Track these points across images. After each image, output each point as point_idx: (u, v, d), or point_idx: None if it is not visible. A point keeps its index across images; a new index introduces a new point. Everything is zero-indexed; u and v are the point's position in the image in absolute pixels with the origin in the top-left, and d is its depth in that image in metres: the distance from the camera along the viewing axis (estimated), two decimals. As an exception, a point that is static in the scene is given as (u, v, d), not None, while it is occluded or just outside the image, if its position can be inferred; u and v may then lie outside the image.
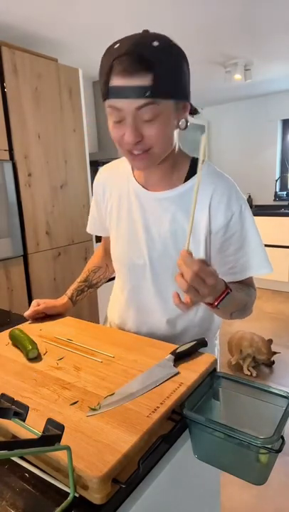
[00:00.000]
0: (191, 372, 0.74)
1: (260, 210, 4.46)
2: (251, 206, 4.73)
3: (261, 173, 4.72)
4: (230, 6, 2.07)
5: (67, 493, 0.51)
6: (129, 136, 0.72)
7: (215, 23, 2.30)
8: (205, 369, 0.75)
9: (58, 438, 0.49)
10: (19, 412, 0.50)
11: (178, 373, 0.74)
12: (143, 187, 0.91)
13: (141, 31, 0.72)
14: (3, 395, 0.52)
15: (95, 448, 0.54)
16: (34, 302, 1.07)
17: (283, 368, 2.64)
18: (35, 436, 0.48)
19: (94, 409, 0.63)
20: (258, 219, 4.15)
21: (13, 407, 0.51)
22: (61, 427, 0.50)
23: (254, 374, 2.54)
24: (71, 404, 0.65)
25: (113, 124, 0.75)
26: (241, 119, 4.75)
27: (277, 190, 4.69)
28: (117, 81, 0.69)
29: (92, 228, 1.12)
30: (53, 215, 2.42)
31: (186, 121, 0.79)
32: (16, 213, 2.19)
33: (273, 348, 2.62)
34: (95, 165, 3.14)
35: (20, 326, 0.99)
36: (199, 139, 0.64)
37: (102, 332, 0.96)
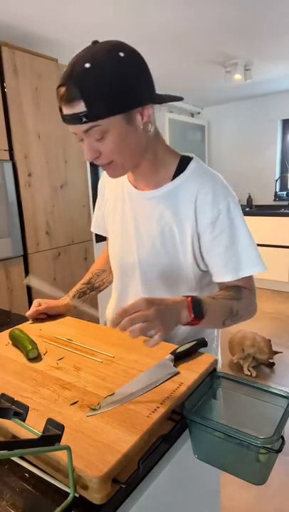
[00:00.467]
0: (191, 372, 0.74)
1: (260, 210, 4.45)
2: (251, 206, 4.73)
3: (261, 173, 4.71)
4: (231, 6, 2.07)
5: (67, 493, 0.51)
6: (86, 154, 0.78)
7: (215, 23, 2.30)
8: (205, 369, 0.75)
9: (58, 438, 0.49)
10: (19, 412, 0.50)
11: (178, 373, 0.74)
12: (134, 187, 0.93)
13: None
14: (3, 395, 0.53)
15: (94, 448, 0.54)
16: (36, 302, 1.08)
17: (283, 368, 2.64)
18: (35, 436, 0.49)
19: (94, 409, 0.63)
20: (258, 219, 4.16)
21: (13, 407, 0.51)
22: (61, 427, 0.50)
23: (254, 374, 2.54)
24: (71, 404, 0.65)
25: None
26: (241, 119, 4.74)
27: (277, 190, 4.68)
28: (63, 109, 0.73)
29: (95, 227, 1.13)
30: (53, 215, 2.42)
31: (151, 124, 0.80)
32: (16, 213, 2.19)
33: (273, 348, 2.61)
34: (95, 165, 3.14)
35: (20, 326, 0.99)
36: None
37: (102, 332, 0.96)
